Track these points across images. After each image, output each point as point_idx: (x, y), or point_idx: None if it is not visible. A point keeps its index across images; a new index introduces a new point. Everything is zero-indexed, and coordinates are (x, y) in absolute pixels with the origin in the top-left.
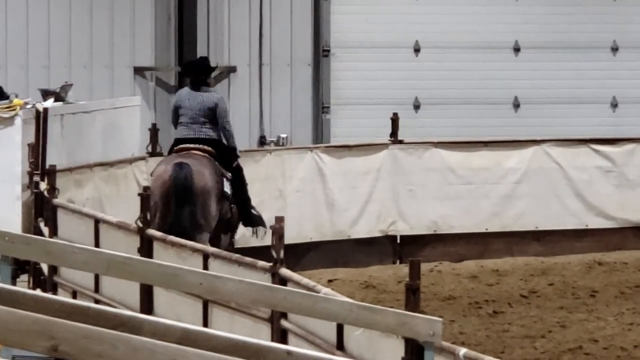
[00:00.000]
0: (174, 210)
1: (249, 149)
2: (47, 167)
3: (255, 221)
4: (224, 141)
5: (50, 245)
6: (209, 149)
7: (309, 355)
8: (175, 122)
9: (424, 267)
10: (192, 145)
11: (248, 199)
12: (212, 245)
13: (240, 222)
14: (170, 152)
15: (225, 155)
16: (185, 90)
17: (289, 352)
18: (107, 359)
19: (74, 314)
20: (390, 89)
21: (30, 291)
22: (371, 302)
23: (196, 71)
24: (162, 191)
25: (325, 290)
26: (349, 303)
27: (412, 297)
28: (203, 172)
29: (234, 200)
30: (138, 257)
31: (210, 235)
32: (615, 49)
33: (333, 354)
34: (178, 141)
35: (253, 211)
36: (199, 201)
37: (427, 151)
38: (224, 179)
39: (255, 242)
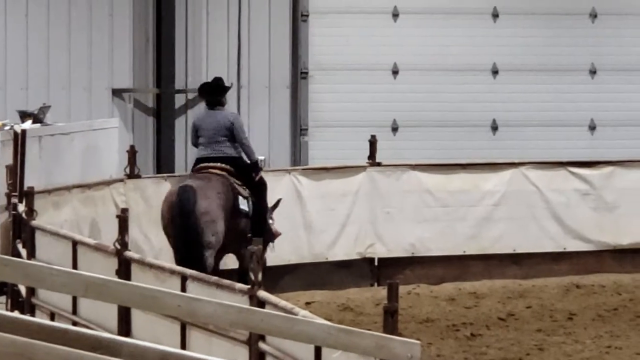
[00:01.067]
0: (180, 231)
1: None
2: (25, 188)
3: (269, 237)
4: (244, 157)
5: (28, 267)
6: (227, 167)
7: None
8: (194, 142)
9: (402, 289)
10: (210, 165)
11: (264, 214)
12: (240, 262)
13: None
14: (192, 170)
15: (245, 171)
16: (202, 112)
17: None
18: None
19: (53, 336)
20: (368, 111)
21: (9, 313)
22: (349, 324)
23: (211, 92)
24: (168, 214)
25: (303, 313)
26: (327, 326)
27: (390, 320)
28: (208, 192)
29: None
30: (116, 279)
31: (220, 252)
32: (593, 72)
33: None
34: (198, 161)
35: (272, 226)
36: (203, 220)
37: (405, 173)
38: (240, 197)
39: (233, 265)
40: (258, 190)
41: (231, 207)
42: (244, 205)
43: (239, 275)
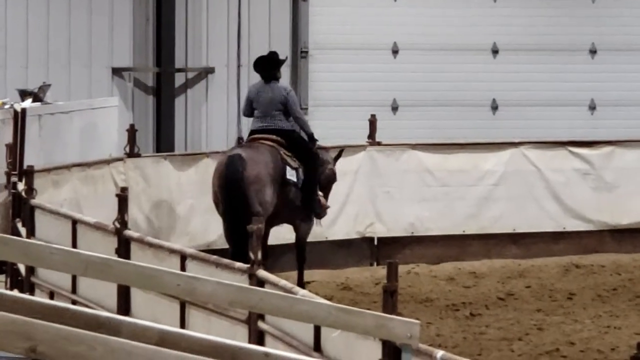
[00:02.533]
0: (228, 199)
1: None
2: (24, 167)
3: (316, 209)
4: (297, 130)
5: (28, 246)
6: (277, 138)
7: (286, 357)
8: (248, 113)
9: (401, 269)
10: (261, 136)
11: (314, 188)
12: (296, 232)
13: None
14: (240, 141)
15: (297, 144)
16: (257, 84)
17: (266, 354)
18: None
19: (52, 315)
20: (368, 90)
21: (9, 292)
22: (348, 304)
23: (266, 66)
24: (218, 182)
25: (303, 292)
26: (327, 305)
27: (390, 299)
28: (257, 161)
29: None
30: (116, 258)
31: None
32: (593, 52)
33: (310, 355)
34: (252, 132)
35: (321, 200)
36: (251, 189)
37: (405, 153)
38: (288, 167)
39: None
40: (309, 162)
41: (280, 176)
42: (292, 175)
43: (297, 246)
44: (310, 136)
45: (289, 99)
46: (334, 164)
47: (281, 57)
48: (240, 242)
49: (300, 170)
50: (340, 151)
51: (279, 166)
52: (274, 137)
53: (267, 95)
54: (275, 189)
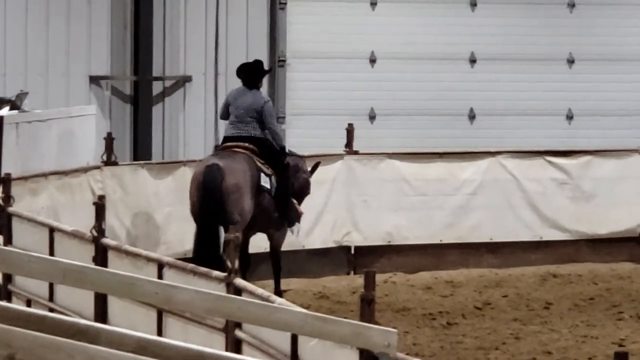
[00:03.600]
0: (207, 209)
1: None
2: (1, 175)
3: (291, 217)
4: (269, 139)
5: (6, 254)
6: (251, 146)
7: None
8: (223, 116)
9: (378, 278)
10: (234, 144)
11: (288, 194)
12: (270, 241)
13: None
14: (216, 148)
15: (270, 153)
16: (237, 89)
17: None
18: None
19: (31, 322)
20: (345, 99)
21: None
22: (325, 312)
23: (248, 72)
24: (196, 192)
25: (280, 301)
26: (304, 314)
27: (367, 308)
28: (235, 170)
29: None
30: (94, 266)
31: (246, 229)
32: (571, 61)
33: None
34: (224, 139)
35: (296, 207)
36: (231, 198)
37: (382, 162)
38: (262, 174)
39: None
40: (282, 171)
41: (256, 184)
42: (266, 183)
43: (271, 255)
44: (282, 149)
45: (265, 109)
46: (310, 175)
47: (265, 67)
48: (210, 251)
49: (273, 178)
50: (317, 164)
51: (255, 174)
52: (247, 144)
53: (246, 101)
54: (252, 198)
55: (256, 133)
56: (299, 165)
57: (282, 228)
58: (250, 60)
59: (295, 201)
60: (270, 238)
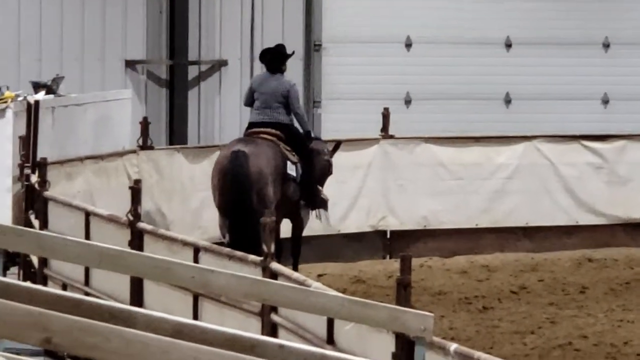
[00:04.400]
0: (231, 195)
1: None
2: (38, 159)
3: (317, 203)
4: (296, 125)
5: (42, 238)
6: (277, 132)
7: (301, 349)
8: (248, 102)
9: (414, 262)
10: (261, 129)
11: (313, 181)
12: (293, 227)
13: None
14: (244, 133)
15: (295, 139)
16: (261, 75)
17: (281, 346)
18: (101, 351)
19: (68, 306)
20: (381, 84)
21: (24, 283)
22: (361, 296)
23: (272, 57)
24: (220, 178)
25: (316, 285)
26: (341, 297)
27: (403, 292)
28: (260, 157)
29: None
30: (129, 250)
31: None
32: (607, 46)
33: (323, 348)
34: (250, 125)
35: (321, 195)
36: (255, 186)
37: (418, 146)
38: (288, 162)
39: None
40: (308, 157)
41: (281, 172)
42: (292, 170)
43: (292, 240)
44: (307, 133)
45: (291, 94)
46: (331, 156)
47: (288, 51)
48: (242, 238)
49: (299, 165)
50: (338, 144)
51: (280, 161)
52: (273, 130)
53: (270, 86)
54: (277, 185)
55: (282, 119)
56: (320, 148)
57: (305, 214)
58: (287, 43)
59: (320, 188)
60: (294, 223)
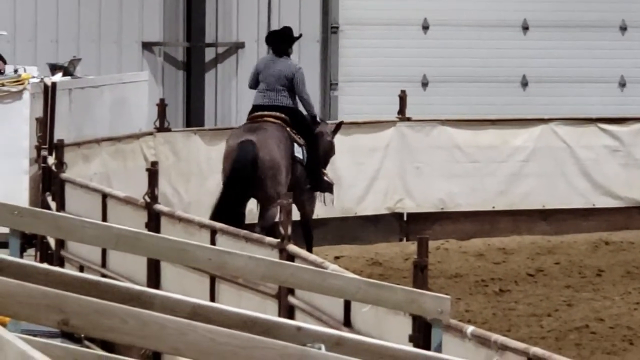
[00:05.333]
0: (242, 185)
1: None
2: (54, 141)
3: (323, 186)
4: (302, 109)
5: (59, 220)
6: (283, 115)
7: (318, 331)
8: (253, 84)
9: (431, 244)
10: (265, 113)
11: (319, 165)
12: (301, 211)
13: (308, 186)
14: (247, 118)
15: (301, 123)
16: (267, 57)
17: (299, 328)
18: (118, 333)
19: (84, 288)
20: (398, 66)
21: (41, 265)
22: (377, 279)
23: (278, 40)
24: (231, 168)
25: (333, 267)
26: (358, 280)
27: (420, 275)
28: (270, 144)
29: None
30: (147, 232)
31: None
32: (623, 28)
33: (340, 330)
34: (254, 108)
35: (325, 178)
36: (268, 174)
37: (435, 129)
38: (295, 145)
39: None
40: (313, 141)
41: (289, 156)
42: (299, 153)
43: (302, 224)
44: (314, 118)
45: (297, 77)
46: (333, 137)
47: (295, 34)
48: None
49: (305, 148)
50: (339, 124)
51: (288, 145)
52: (278, 114)
53: (276, 68)
54: (288, 170)
55: (287, 102)
56: (322, 130)
57: (312, 198)
58: (304, 25)
59: (326, 171)
60: (301, 208)
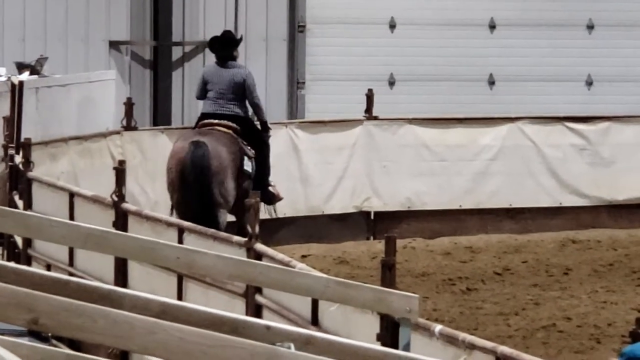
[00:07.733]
0: (190, 189)
1: None
2: (22, 140)
3: (267, 198)
4: (254, 117)
5: (27, 218)
6: (233, 125)
7: (287, 330)
8: (201, 95)
9: (398, 243)
10: (215, 121)
11: (266, 176)
12: (240, 222)
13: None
14: (195, 126)
15: (251, 132)
16: (213, 65)
17: (268, 327)
18: (87, 332)
19: (54, 287)
20: (365, 65)
21: (10, 264)
22: (345, 277)
23: (222, 46)
24: (178, 170)
25: (301, 266)
26: (326, 278)
27: (388, 274)
28: (220, 150)
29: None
30: (115, 231)
31: (228, 212)
32: (590, 27)
33: (308, 329)
34: (203, 116)
35: (270, 188)
36: (215, 180)
37: (402, 127)
38: (245, 157)
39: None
40: (261, 151)
41: (239, 167)
42: (248, 166)
43: (238, 228)
44: (264, 124)
45: (248, 82)
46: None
47: (237, 36)
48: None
49: (254, 161)
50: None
51: (238, 156)
52: (229, 123)
53: (225, 76)
54: (235, 180)
55: (238, 111)
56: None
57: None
58: (271, 24)
59: (273, 183)
60: (239, 219)
